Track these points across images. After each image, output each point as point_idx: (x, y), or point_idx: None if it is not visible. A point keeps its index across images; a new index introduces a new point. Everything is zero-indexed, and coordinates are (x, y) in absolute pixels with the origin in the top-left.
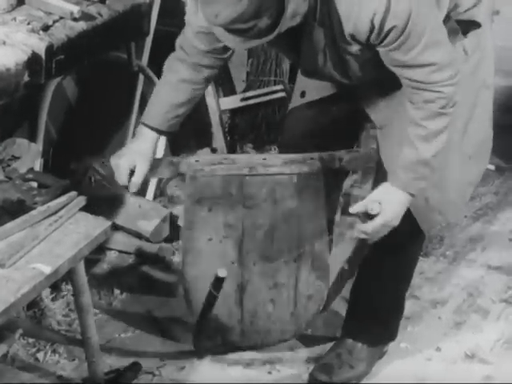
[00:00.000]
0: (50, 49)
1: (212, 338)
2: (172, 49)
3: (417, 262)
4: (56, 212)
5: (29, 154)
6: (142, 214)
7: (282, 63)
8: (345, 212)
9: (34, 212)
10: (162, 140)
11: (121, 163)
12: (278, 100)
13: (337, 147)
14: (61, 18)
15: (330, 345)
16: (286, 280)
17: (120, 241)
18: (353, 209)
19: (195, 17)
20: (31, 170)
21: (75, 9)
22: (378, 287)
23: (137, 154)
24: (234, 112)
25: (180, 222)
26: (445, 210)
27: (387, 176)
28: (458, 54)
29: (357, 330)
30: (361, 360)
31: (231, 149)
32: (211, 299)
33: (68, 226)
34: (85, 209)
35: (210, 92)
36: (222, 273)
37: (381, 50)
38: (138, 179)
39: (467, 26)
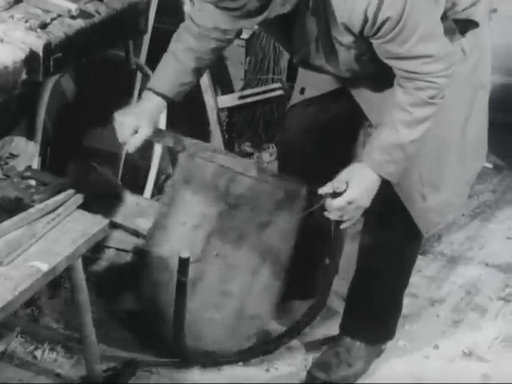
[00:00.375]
0: (47, 47)
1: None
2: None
3: (415, 260)
4: (54, 210)
5: (26, 152)
6: (140, 212)
7: (279, 61)
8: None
9: (31, 210)
10: (163, 117)
11: (126, 121)
12: (275, 98)
13: (336, 145)
14: (59, 15)
15: (327, 342)
16: (238, 291)
17: (118, 239)
18: (321, 189)
19: None
20: (29, 167)
21: (73, 6)
22: (376, 285)
23: (143, 115)
24: (231, 110)
25: None
26: (443, 211)
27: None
28: (455, 52)
29: (355, 328)
30: (359, 358)
31: (229, 147)
32: (180, 286)
33: (66, 224)
34: (83, 207)
35: (207, 90)
36: (184, 253)
37: (375, 41)
38: (139, 140)
39: (465, 26)
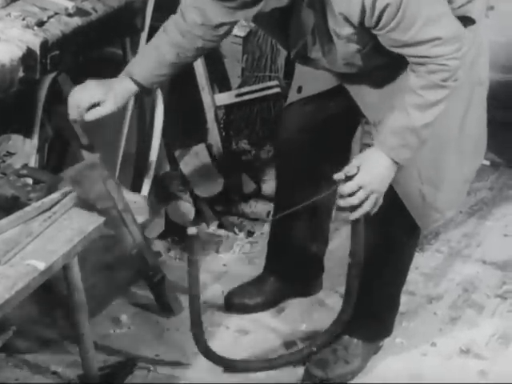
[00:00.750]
0: (44, 44)
1: None
2: None
3: (413, 257)
4: (50, 208)
5: (24, 150)
6: (138, 210)
7: (277, 59)
8: (340, 207)
9: (28, 208)
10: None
11: (90, 89)
12: (273, 96)
13: (333, 143)
14: (55, 13)
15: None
16: None
17: None
18: (336, 175)
19: None
20: (26, 166)
21: (70, 4)
22: (374, 282)
23: (112, 92)
24: (229, 108)
25: (175, 218)
26: (442, 208)
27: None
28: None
29: (352, 325)
30: (356, 355)
31: (226, 144)
32: (192, 265)
33: (62, 222)
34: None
35: (204, 88)
36: (191, 230)
37: (378, 33)
38: (100, 112)
39: (462, 22)
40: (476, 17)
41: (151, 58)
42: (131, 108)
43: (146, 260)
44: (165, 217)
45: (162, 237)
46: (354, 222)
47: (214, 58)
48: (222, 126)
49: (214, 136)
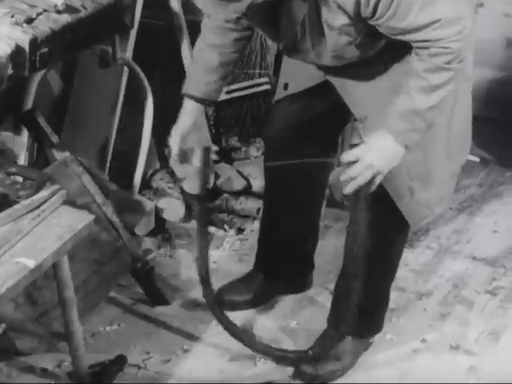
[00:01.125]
0: (33, 42)
1: None
2: (156, 41)
3: (401, 253)
4: (39, 206)
5: (13, 148)
6: (127, 207)
7: (266, 56)
8: (330, 204)
9: (17, 206)
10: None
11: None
12: (262, 93)
13: (319, 141)
14: (44, 10)
15: (315, 337)
16: None
17: None
18: (344, 156)
19: None
20: (15, 163)
21: (59, 1)
22: (364, 279)
23: (186, 128)
24: (219, 105)
25: (165, 215)
26: (431, 203)
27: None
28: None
29: (342, 322)
30: (346, 352)
31: (216, 142)
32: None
33: (51, 220)
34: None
35: None
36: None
37: (376, 23)
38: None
39: None
40: None
41: (198, 68)
42: (120, 106)
43: (131, 252)
44: (155, 214)
45: (151, 234)
46: (355, 217)
47: None
48: (211, 122)
49: None
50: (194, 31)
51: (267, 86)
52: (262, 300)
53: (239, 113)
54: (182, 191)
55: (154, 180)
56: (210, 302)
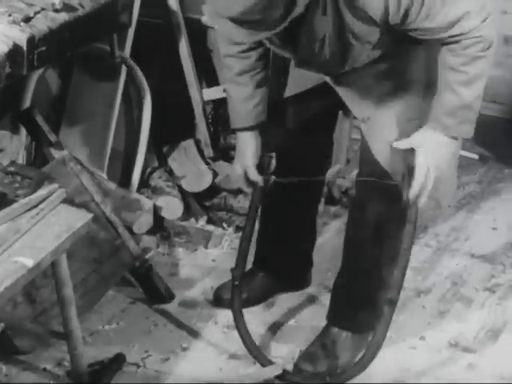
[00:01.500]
0: (31, 40)
1: None
2: (154, 39)
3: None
4: (38, 205)
5: (11, 147)
6: (126, 206)
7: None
8: (329, 202)
9: (15, 205)
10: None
11: (236, 171)
12: None
13: (315, 141)
14: (42, 9)
15: (314, 335)
16: None
17: None
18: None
19: None
20: (13, 162)
21: (57, 0)
22: (363, 275)
23: (243, 158)
24: (217, 103)
25: (163, 214)
26: (439, 197)
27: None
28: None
29: (341, 319)
30: (345, 350)
31: (214, 140)
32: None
33: (50, 219)
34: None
35: (192, 83)
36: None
37: (407, 27)
38: (254, 175)
39: None
40: None
41: (236, 101)
42: (118, 104)
43: (129, 250)
44: (153, 212)
45: (150, 232)
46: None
47: (201, 53)
48: (210, 121)
49: (203, 131)
50: (192, 29)
51: None
52: (261, 298)
53: None
54: (181, 189)
55: (152, 178)
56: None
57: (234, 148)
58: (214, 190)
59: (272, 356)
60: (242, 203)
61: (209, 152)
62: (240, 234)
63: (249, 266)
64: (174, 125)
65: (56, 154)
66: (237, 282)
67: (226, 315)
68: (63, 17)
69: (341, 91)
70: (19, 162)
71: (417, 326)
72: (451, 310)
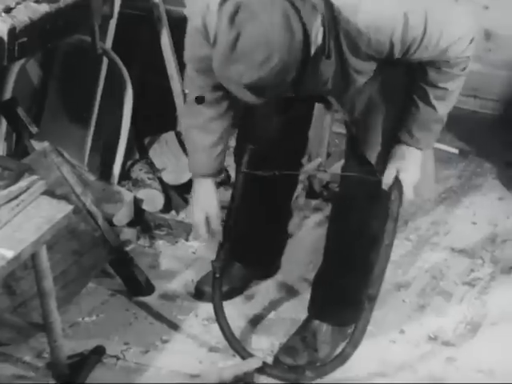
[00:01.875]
0: (12, 31)
1: None
2: (135, 31)
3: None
4: (18, 196)
5: None
6: (106, 198)
7: None
8: (309, 195)
9: None
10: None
11: (197, 218)
12: None
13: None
14: (23, 0)
15: (294, 327)
16: None
17: None
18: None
19: (198, 49)
20: None
21: None
22: (345, 268)
23: (206, 205)
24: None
25: (144, 206)
26: (420, 188)
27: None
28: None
29: (322, 310)
30: (325, 343)
31: None
32: None
33: (30, 210)
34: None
35: (174, 76)
36: None
37: (406, 58)
38: (214, 224)
39: None
40: None
41: (201, 147)
42: (99, 96)
43: (110, 243)
44: (134, 205)
45: (131, 225)
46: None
47: (183, 45)
48: None
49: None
50: (174, 22)
51: None
52: (240, 289)
53: None
54: (162, 182)
55: (133, 170)
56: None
57: None
58: None
59: (252, 349)
60: (222, 196)
61: None
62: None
63: None
64: (155, 117)
65: (37, 145)
66: (217, 275)
67: (206, 308)
68: (44, 8)
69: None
70: None
71: (396, 320)
72: (431, 304)
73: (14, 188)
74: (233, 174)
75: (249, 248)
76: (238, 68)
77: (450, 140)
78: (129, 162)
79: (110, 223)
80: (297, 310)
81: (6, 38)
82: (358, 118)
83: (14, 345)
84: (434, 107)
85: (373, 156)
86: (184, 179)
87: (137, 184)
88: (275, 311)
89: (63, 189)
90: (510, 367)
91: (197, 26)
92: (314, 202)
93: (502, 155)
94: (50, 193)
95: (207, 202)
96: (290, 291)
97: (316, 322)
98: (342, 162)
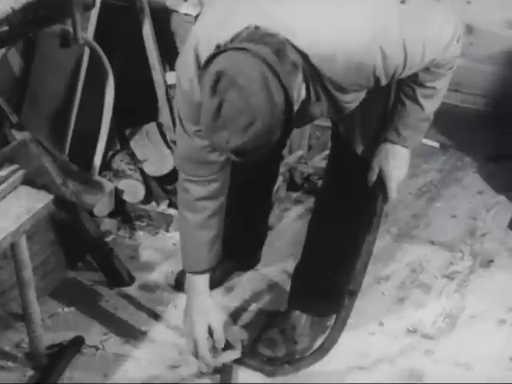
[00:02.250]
0: None
1: None
2: (117, 22)
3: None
4: None
5: None
6: (87, 188)
7: None
8: (290, 187)
9: None
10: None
11: (199, 333)
12: None
13: None
14: None
15: (274, 319)
16: None
17: None
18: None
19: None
20: None
21: None
22: (325, 260)
23: (201, 311)
24: None
25: (125, 197)
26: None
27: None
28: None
29: (301, 302)
30: (304, 335)
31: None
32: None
33: (10, 200)
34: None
35: (155, 66)
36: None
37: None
38: (220, 332)
39: None
40: None
41: (198, 244)
42: (81, 86)
43: (89, 233)
44: (115, 195)
45: (111, 216)
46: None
47: (165, 36)
48: (173, 104)
49: (165, 115)
50: (156, 12)
51: None
52: (220, 281)
53: None
54: (143, 173)
55: (114, 161)
56: None
57: None
58: (175, 173)
59: (231, 340)
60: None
61: (171, 136)
62: None
63: None
64: (136, 108)
65: (17, 135)
66: None
67: (185, 299)
68: None
69: None
70: None
71: (376, 313)
72: (410, 297)
73: None
74: None
75: (229, 240)
76: (222, 134)
77: (431, 134)
78: (110, 153)
79: (91, 214)
80: (277, 302)
81: None
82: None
83: None
84: (421, 106)
85: (358, 151)
86: (165, 170)
87: (118, 175)
88: (255, 303)
89: (43, 179)
90: (487, 360)
91: (185, 89)
92: (294, 195)
93: (483, 149)
94: (29, 183)
95: (207, 310)
96: (270, 283)
97: (296, 313)
98: (324, 154)
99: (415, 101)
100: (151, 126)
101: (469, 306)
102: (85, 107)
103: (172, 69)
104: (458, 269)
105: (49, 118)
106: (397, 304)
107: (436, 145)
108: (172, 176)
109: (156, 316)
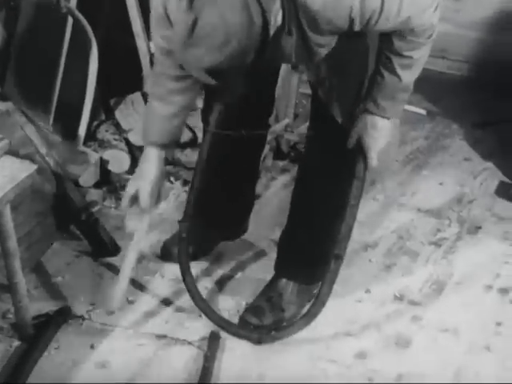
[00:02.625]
0: None
1: None
2: None
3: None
4: None
5: None
6: (72, 159)
7: None
8: (277, 156)
9: None
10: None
11: (128, 188)
12: None
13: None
14: None
15: (261, 288)
16: None
17: None
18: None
19: (162, 32)
20: None
21: None
22: (311, 228)
23: (142, 178)
24: None
25: (110, 167)
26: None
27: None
28: None
29: (288, 270)
30: (291, 303)
31: None
32: None
33: None
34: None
35: (140, 34)
36: None
37: (367, 29)
38: (143, 203)
39: None
40: None
41: (160, 117)
42: (64, 55)
43: (74, 203)
44: (100, 166)
45: (96, 186)
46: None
47: (149, 4)
48: None
49: (150, 83)
50: None
51: None
52: (206, 250)
53: None
54: (128, 143)
55: (99, 131)
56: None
57: None
58: None
59: (219, 309)
60: (190, 157)
61: None
62: (187, 187)
63: None
64: (120, 77)
65: (1, 105)
66: (184, 234)
67: (172, 269)
68: None
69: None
70: None
71: (363, 280)
72: (397, 264)
73: None
74: (200, 135)
75: (216, 209)
76: (196, 52)
77: (418, 101)
78: (95, 123)
79: (76, 184)
80: (264, 270)
81: None
82: (323, 79)
83: None
84: (398, 76)
85: (337, 116)
86: None
87: (103, 145)
88: (242, 272)
89: (27, 149)
90: (474, 326)
91: (158, 13)
92: (281, 163)
93: (470, 116)
94: (13, 152)
95: (144, 175)
96: (256, 252)
97: (282, 281)
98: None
99: (393, 71)
100: (136, 96)
101: (456, 273)
102: (69, 77)
103: None
104: (445, 235)
105: (32, 89)
106: (384, 271)
107: (423, 112)
108: None
109: (142, 286)
